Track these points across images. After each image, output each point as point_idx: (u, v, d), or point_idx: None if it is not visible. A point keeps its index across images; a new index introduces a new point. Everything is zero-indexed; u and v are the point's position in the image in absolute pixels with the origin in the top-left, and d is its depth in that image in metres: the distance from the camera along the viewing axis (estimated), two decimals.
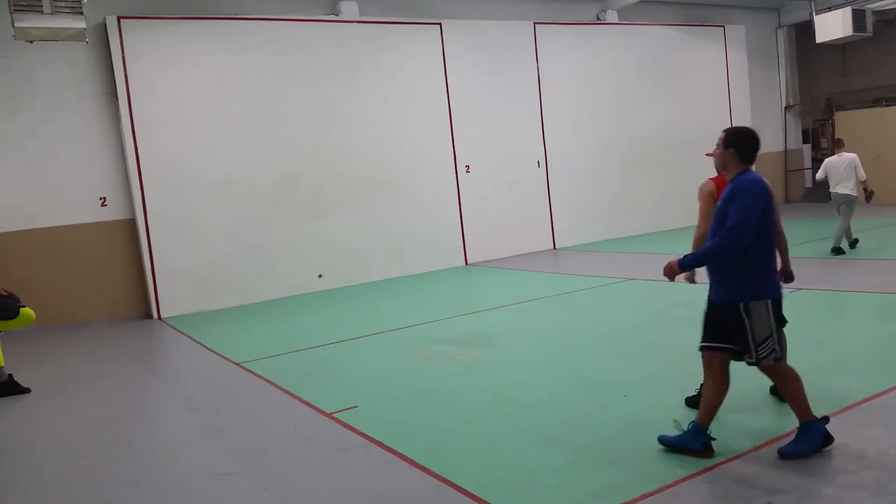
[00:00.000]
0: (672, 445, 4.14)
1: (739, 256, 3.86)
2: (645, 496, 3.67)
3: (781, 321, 4.03)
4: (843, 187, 10.34)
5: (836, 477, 3.75)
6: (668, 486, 3.75)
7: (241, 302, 11.21)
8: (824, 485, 3.67)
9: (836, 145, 11.03)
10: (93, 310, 10.58)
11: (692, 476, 3.84)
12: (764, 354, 3.90)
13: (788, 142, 18.50)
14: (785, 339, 4.11)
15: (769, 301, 3.89)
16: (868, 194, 10.44)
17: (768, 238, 3.93)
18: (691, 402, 4.83)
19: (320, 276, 4.39)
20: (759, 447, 4.11)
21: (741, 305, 3.89)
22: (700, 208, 4.77)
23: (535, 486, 3.95)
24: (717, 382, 4.08)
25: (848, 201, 10.27)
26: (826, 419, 4.00)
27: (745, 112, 16.96)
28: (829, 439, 3.95)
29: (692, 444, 4.05)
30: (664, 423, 4.69)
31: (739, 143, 4.02)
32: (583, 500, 3.78)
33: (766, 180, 4.05)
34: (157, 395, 6.87)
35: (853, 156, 10.40)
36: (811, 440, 3.92)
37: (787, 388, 4.02)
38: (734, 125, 4.34)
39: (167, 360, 8.66)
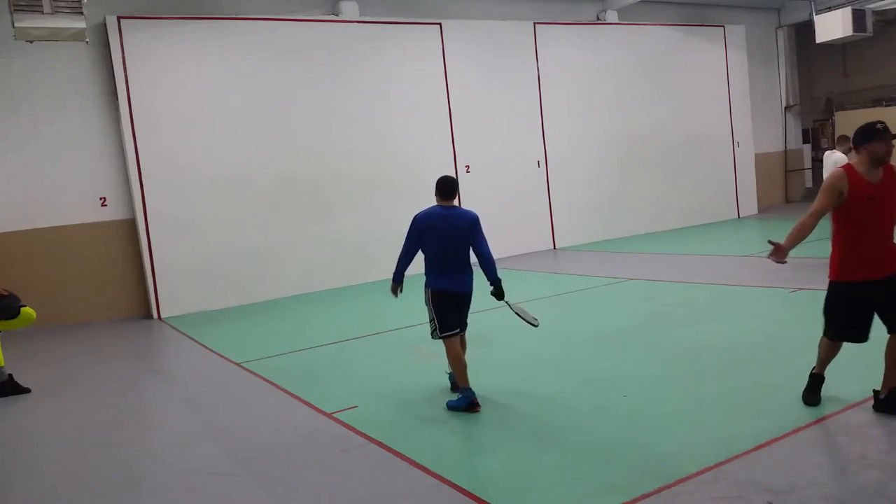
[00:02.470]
0: (455, 408, 5.23)
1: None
2: (645, 496, 3.67)
3: (451, 308, 5.35)
4: None
5: (836, 477, 3.76)
6: (668, 486, 3.75)
7: (241, 302, 11.21)
8: (825, 485, 3.67)
9: (837, 142, 10.78)
10: (93, 310, 10.58)
11: (692, 476, 3.84)
12: (430, 330, 5.41)
13: (788, 142, 18.50)
14: (464, 324, 5.49)
15: (430, 290, 5.38)
16: None
17: (432, 252, 5.54)
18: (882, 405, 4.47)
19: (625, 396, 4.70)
20: (759, 447, 4.12)
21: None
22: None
23: (535, 486, 3.95)
24: (454, 353, 5.33)
25: None
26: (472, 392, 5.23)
27: (745, 112, 16.97)
28: (473, 406, 5.17)
29: (463, 403, 5.20)
30: (664, 422, 4.71)
31: (437, 188, 5.73)
32: (583, 500, 3.78)
33: (459, 212, 5.64)
34: (157, 395, 6.87)
35: (839, 155, 9.82)
36: (459, 402, 5.23)
37: (448, 358, 5.36)
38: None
39: (167, 360, 8.66)
